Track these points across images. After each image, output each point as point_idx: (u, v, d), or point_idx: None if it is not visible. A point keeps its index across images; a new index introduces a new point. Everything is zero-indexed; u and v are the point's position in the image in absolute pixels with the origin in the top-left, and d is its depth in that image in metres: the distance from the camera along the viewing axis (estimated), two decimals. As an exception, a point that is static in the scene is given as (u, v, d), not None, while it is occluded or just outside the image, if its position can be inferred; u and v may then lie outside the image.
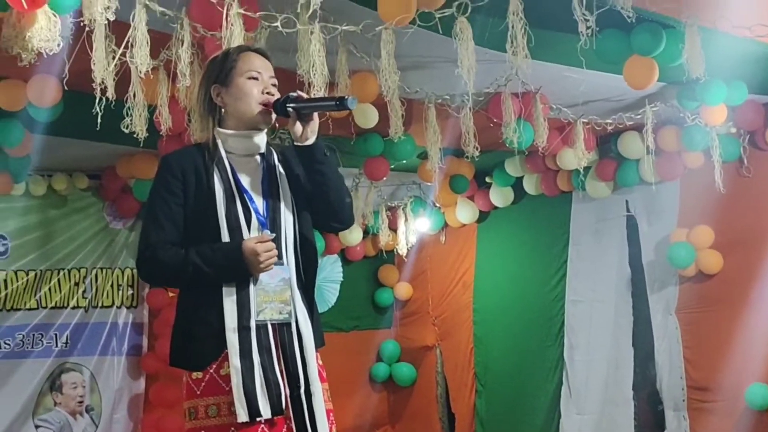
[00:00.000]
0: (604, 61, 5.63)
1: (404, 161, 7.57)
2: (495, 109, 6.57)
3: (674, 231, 7.68)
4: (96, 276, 8.46)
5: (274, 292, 3.39)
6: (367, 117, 6.39)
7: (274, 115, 3.50)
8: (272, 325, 3.39)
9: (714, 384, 7.45)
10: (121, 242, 8.66)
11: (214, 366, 3.35)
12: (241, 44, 4.03)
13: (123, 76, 4.71)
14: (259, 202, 3.47)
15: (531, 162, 8.26)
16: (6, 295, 7.93)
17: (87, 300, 8.39)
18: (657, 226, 7.95)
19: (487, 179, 9.10)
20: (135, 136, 5.11)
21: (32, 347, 8.04)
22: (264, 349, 3.34)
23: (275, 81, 3.56)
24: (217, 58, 3.63)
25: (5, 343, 7.88)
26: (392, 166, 7.67)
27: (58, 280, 8.23)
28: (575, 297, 8.60)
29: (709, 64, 5.46)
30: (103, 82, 4.49)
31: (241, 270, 3.33)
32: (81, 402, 8.29)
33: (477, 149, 6.42)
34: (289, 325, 3.42)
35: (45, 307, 8.16)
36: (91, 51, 4.44)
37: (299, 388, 3.37)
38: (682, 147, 7.31)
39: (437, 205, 9.63)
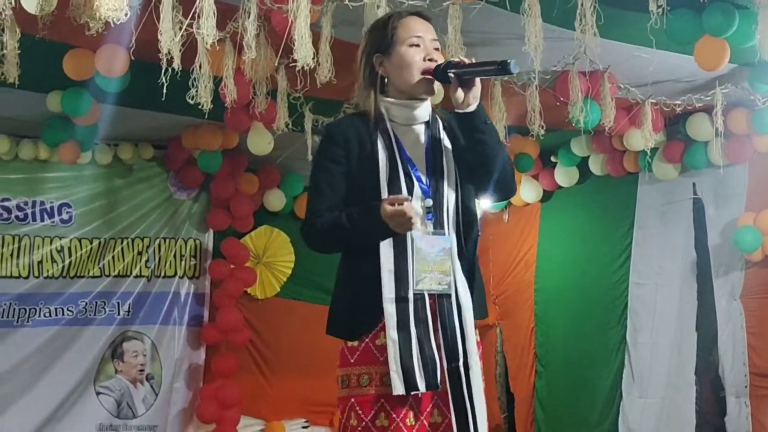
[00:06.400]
0: (674, 41, 5.53)
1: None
2: (562, 88, 6.48)
3: (742, 215, 7.51)
4: (159, 246, 8.56)
5: (434, 263, 3.31)
6: (432, 93, 6.35)
7: (436, 85, 3.42)
8: (430, 296, 3.31)
9: (777, 371, 7.33)
10: (184, 213, 8.75)
11: (371, 335, 3.30)
12: (400, 9, 3.90)
13: (189, 47, 4.71)
14: (422, 171, 3.40)
15: (597, 142, 8.15)
16: (70, 262, 8.06)
17: (150, 269, 8.48)
18: (724, 210, 7.79)
19: (552, 158, 9.01)
20: (200, 107, 5.11)
21: (95, 315, 8.18)
22: (420, 321, 3.25)
23: (438, 45, 3.47)
24: (377, 25, 3.56)
25: (68, 310, 8.02)
26: (456, 143, 7.61)
27: (122, 249, 8.35)
28: (639, 280, 8.48)
29: (782, 46, 5.34)
30: (169, 53, 4.50)
31: (380, 232, 3.24)
32: (142, 370, 8.41)
33: (542, 128, 6.33)
34: (448, 296, 3.33)
35: (108, 276, 8.29)
36: (159, 21, 4.45)
37: (457, 360, 3.28)
38: (752, 130, 7.17)
39: (500, 183, 9.52)
